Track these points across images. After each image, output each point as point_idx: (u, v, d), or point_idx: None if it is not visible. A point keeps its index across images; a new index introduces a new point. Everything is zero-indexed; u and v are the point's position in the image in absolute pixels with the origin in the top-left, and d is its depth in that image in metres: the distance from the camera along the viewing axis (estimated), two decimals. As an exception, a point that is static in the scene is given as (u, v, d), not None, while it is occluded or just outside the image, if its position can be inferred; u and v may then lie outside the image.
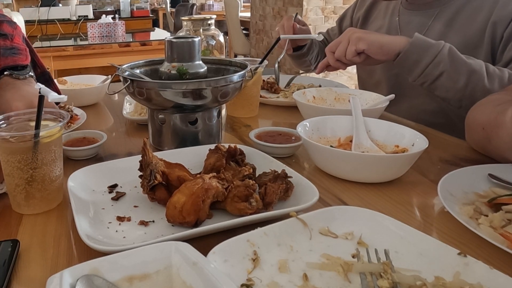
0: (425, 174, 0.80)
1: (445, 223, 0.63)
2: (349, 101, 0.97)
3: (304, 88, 1.28)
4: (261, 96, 1.25)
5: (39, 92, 0.65)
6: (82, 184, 0.71)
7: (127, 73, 0.90)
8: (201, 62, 0.92)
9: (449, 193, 0.66)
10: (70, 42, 3.72)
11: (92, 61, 3.30)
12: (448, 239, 0.60)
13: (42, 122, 0.66)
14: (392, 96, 1.03)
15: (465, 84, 0.97)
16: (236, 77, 0.84)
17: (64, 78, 1.38)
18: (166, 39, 0.90)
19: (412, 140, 0.81)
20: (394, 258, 0.52)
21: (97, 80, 1.39)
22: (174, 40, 0.89)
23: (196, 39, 0.90)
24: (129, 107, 1.15)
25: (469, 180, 0.71)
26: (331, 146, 0.84)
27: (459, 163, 0.84)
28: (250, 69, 0.92)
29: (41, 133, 0.65)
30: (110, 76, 0.87)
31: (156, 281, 0.44)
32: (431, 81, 1.00)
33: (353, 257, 0.53)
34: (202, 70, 0.91)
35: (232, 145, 0.76)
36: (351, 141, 0.87)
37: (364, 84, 1.46)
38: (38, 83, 0.66)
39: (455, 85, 0.98)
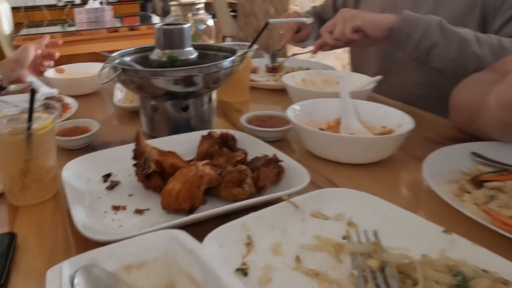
0: (413, 154, 0.82)
1: (432, 201, 0.65)
2: (337, 83, 0.98)
3: (293, 71, 1.29)
4: (251, 80, 1.25)
5: (30, 86, 0.65)
6: (77, 174, 0.71)
7: (117, 61, 0.90)
8: (191, 48, 0.92)
9: (436, 171, 0.68)
10: (58, 28, 3.66)
11: (81, 48, 3.25)
12: (435, 217, 0.62)
13: (35, 114, 0.67)
14: (379, 77, 1.05)
15: (458, 53, 0.99)
16: (227, 63, 0.85)
17: (62, 66, 1.36)
18: (156, 27, 0.90)
19: (399, 121, 0.83)
20: (384, 237, 0.54)
21: (95, 68, 1.33)
22: (164, 27, 0.89)
23: (186, 26, 0.90)
24: (120, 94, 1.15)
25: (454, 158, 0.73)
26: (320, 129, 0.85)
27: (445, 142, 0.85)
28: (241, 54, 0.92)
29: (34, 126, 0.65)
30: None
31: (154, 269, 0.45)
32: (425, 53, 1.02)
33: (344, 238, 0.55)
34: (192, 56, 0.91)
35: (224, 131, 0.77)
36: (339, 123, 0.88)
37: (356, 62, 1.46)
38: (30, 76, 0.66)
39: (448, 54, 1.00)
